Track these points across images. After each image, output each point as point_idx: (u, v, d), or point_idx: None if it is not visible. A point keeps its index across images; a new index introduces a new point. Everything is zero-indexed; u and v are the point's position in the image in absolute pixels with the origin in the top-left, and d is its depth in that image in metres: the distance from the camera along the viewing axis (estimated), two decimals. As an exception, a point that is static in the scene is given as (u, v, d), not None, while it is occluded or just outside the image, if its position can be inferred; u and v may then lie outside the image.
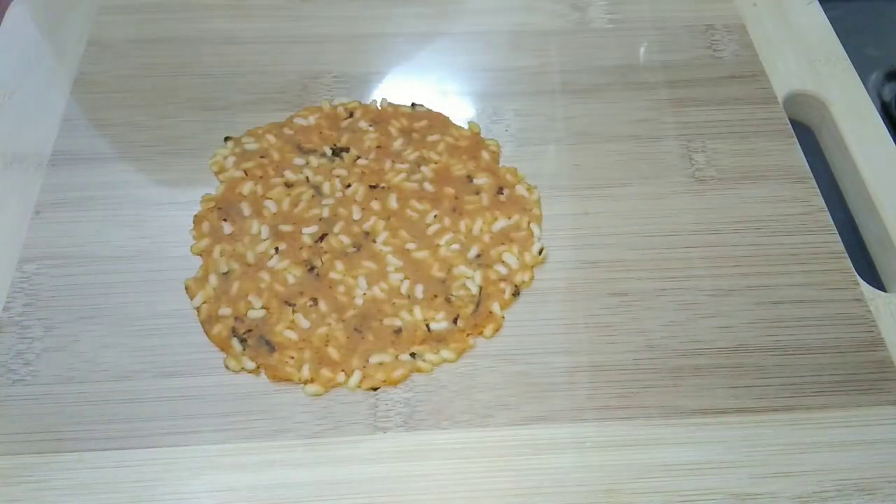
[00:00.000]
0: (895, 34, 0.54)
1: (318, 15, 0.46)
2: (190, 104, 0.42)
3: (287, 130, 0.41)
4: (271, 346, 0.34)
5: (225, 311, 0.35)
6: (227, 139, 0.41)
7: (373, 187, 0.39)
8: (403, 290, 0.35)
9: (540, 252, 0.37)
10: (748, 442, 0.31)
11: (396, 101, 0.42)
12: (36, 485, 0.30)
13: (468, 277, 0.36)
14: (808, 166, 0.40)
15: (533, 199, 0.38)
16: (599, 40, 0.46)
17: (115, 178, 0.39)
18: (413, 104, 0.42)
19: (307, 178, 0.39)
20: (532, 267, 0.36)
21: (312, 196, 0.38)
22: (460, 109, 0.42)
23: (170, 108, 0.42)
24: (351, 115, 0.42)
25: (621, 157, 0.40)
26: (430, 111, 0.42)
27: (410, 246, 0.37)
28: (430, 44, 0.45)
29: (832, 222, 0.38)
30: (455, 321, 0.34)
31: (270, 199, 0.38)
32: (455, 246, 0.37)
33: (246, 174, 0.39)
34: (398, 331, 0.34)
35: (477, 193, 0.39)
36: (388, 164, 0.39)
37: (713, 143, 0.41)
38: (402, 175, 0.39)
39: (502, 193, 0.39)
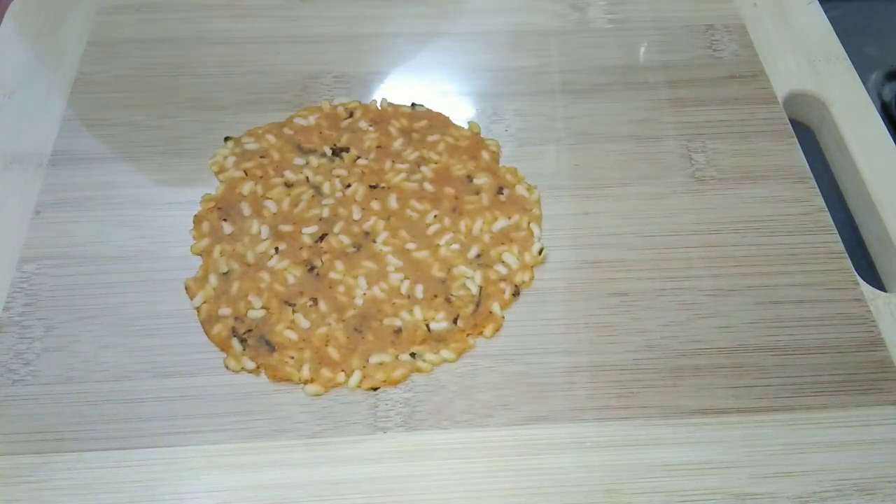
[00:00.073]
0: (895, 34, 0.54)
1: (318, 15, 0.46)
2: (190, 104, 0.42)
3: (287, 130, 0.41)
4: (271, 346, 0.34)
5: (225, 311, 0.35)
6: (227, 139, 0.41)
7: (373, 187, 0.39)
8: (403, 290, 0.35)
9: (540, 252, 0.37)
10: (748, 442, 0.31)
11: (396, 101, 0.42)
12: (36, 485, 0.30)
13: (468, 277, 0.36)
14: (808, 166, 0.40)
15: (533, 199, 0.38)
16: (599, 40, 0.46)
17: (115, 178, 0.39)
18: (413, 104, 0.42)
19: (307, 178, 0.39)
20: (532, 267, 0.36)
21: (312, 196, 0.38)
22: (460, 109, 0.42)
23: (170, 108, 0.42)
24: (351, 115, 0.42)
25: (621, 157, 0.40)
26: (430, 111, 0.42)
27: (410, 246, 0.37)
28: (430, 44, 0.45)
29: (832, 222, 0.38)
30: (455, 321, 0.34)
31: (270, 199, 0.38)
32: (455, 246, 0.37)
33: (246, 174, 0.39)
34: (398, 331, 0.34)
35: (477, 193, 0.39)
36: (388, 164, 0.39)
37: (713, 143, 0.41)
38: (402, 175, 0.39)
39: (502, 193, 0.39)
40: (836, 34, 0.46)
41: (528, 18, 0.47)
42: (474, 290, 0.35)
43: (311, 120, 0.41)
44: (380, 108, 0.42)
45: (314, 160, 0.40)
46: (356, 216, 0.38)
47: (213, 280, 0.35)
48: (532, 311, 0.35)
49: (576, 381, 0.33)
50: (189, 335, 0.34)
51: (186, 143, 0.40)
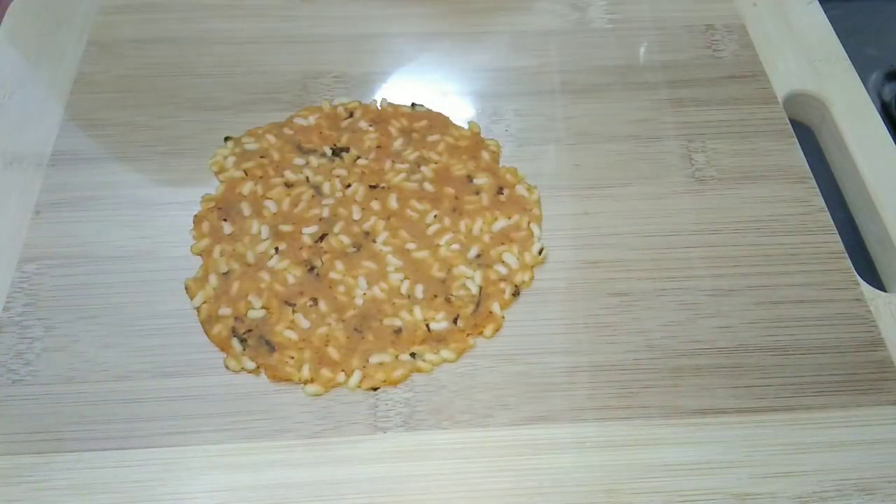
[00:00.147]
0: (895, 34, 0.54)
1: (318, 15, 0.46)
2: (190, 104, 0.42)
3: (287, 130, 0.41)
4: (271, 346, 0.34)
5: (225, 311, 0.35)
6: (227, 139, 0.41)
7: (373, 187, 0.39)
8: (403, 290, 0.35)
9: (540, 252, 0.37)
10: (748, 442, 0.31)
11: (396, 101, 0.42)
12: (36, 485, 0.30)
13: (468, 277, 0.36)
14: (808, 166, 0.40)
15: (533, 199, 0.38)
16: (599, 40, 0.46)
17: (115, 178, 0.39)
18: (413, 104, 0.42)
19: (307, 178, 0.39)
20: (532, 267, 0.36)
21: (312, 196, 0.38)
22: (460, 109, 0.42)
23: (170, 108, 0.42)
24: (351, 115, 0.42)
25: (621, 157, 0.40)
26: (430, 111, 0.42)
27: (410, 246, 0.37)
28: (430, 44, 0.45)
29: (832, 222, 0.38)
30: (455, 321, 0.34)
31: (270, 199, 0.38)
32: (455, 246, 0.37)
33: (246, 174, 0.39)
34: (398, 331, 0.34)
35: (477, 193, 0.39)
36: (388, 164, 0.39)
37: (713, 143, 0.41)
38: (402, 175, 0.39)
39: (502, 193, 0.39)
40: (836, 34, 0.46)
41: (528, 18, 0.47)
42: (474, 290, 0.35)
43: (311, 120, 0.41)
44: (380, 108, 0.42)
45: (314, 160, 0.40)
46: (356, 216, 0.38)
47: (213, 280, 0.35)
48: (532, 311, 0.35)
49: (576, 381, 0.33)
50: (189, 335, 0.34)
51: (186, 143, 0.40)
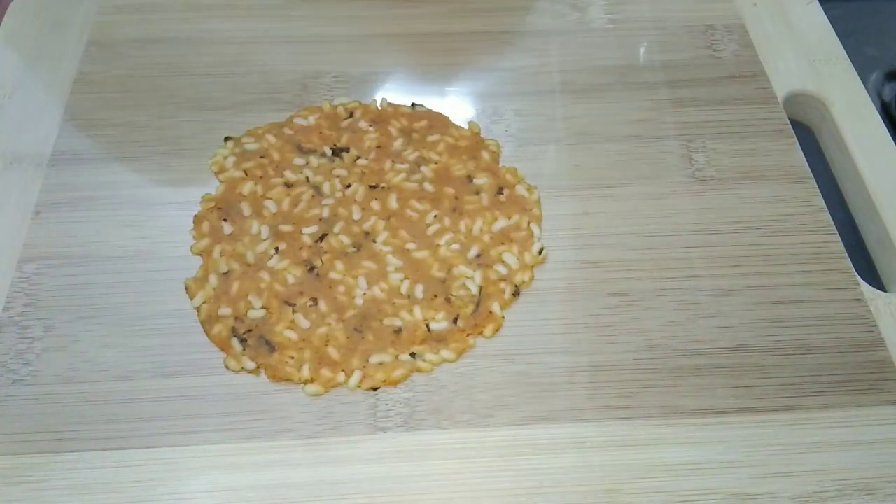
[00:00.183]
0: (895, 34, 0.54)
1: (318, 15, 0.46)
2: (190, 104, 0.42)
3: (287, 130, 0.41)
4: (271, 346, 0.34)
5: (225, 311, 0.35)
6: (227, 139, 0.41)
7: (373, 187, 0.39)
8: (403, 290, 0.35)
9: (540, 252, 0.37)
10: (748, 442, 0.31)
11: (396, 101, 0.42)
12: (36, 485, 0.30)
13: (468, 277, 0.36)
14: (808, 166, 0.40)
15: (533, 199, 0.38)
16: (599, 40, 0.46)
17: (115, 178, 0.39)
18: (413, 104, 0.42)
19: (307, 178, 0.39)
20: (532, 267, 0.36)
21: (312, 196, 0.38)
22: (460, 109, 0.42)
23: (170, 108, 0.42)
24: (351, 115, 0.42)
25: (621, 157, 0.40)
26: (430, 111, 0.42)
27: (410, 246, 0.37)
28: (430, 44, 0.45)
29: (832, 222, 0.38)
30: (455, 321, 0.34)
31: (270, 199, 0.38)
32: (455, 246, 0.37)
33: (246, 174, 0.39)
34: (398, 331, 0.34)
35: (477, 193, 0.39)
36: (388, 164, 0.39)
37: (713, 143, 0.41)
38: (402, 175, 0.39)
39: (502, 193, 0.39)
40: (836, 34, 0.46)
41: (528, 18, 0.47)
42: (474, 290, 0.35)
43: (311, 120, 0.41)
44: (380, 108, 0.42)
45: (314, 160, 0.40)
46: (356, 216, 0.38)
47: (213, 280, 0.35)
48: (532, 311, 0.35)
49: (576, 381, 0.33)
50: (189, 335, 0.34)
51: (186, 143, 0.40)
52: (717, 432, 0.32)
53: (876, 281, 0.38)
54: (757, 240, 0.37)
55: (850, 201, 0.41)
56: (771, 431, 0.32)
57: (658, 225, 0.38)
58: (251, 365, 0.33)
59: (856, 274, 0.36)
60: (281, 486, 0.30)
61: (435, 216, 0.38)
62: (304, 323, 0.34)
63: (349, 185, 0.39)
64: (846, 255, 0.37)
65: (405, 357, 0.33)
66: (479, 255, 0.37)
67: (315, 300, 0.35)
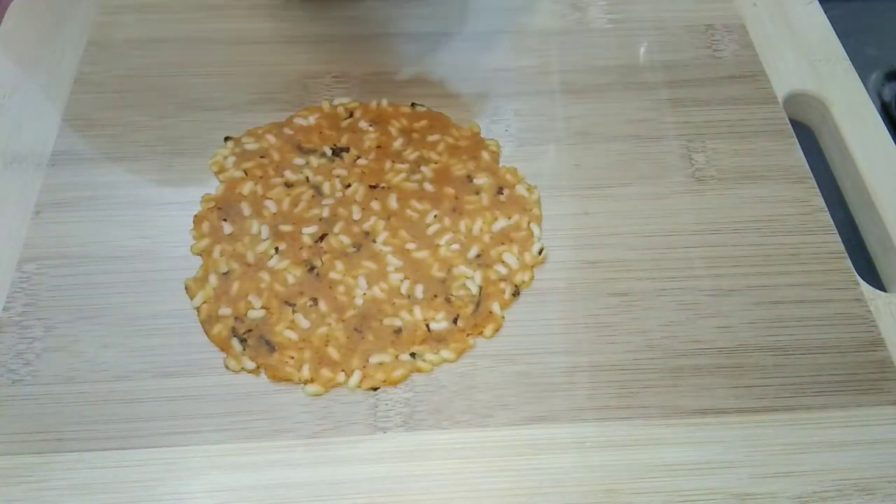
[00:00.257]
0: (895, 34, 0.54)
1: (318, 15, 0.46)
2: (190, 104, 0.42)
3: (287, 130, 0.41)
4: (271, 346, 0.34)
5: (225, 311, 0.35)
6: (227, 139, 0.41)
7: (373, 187, 0.39)
8: (403, 290, 0.35)
9: (540, 252, 0.37)
10: (748, 442, 0.31)
11: (396, 101, 0.42)
12: (36, 485, 0.30)
13: (468, 277, 0.36)
14: (808, 166, 0.40)
15: (533, 199, 0.38)
16: (599, 40, 0.46)
17: (115, 178, 0.39)
18: (413, 104, 0.42)
19: (307, 178, 0.39)
20: (532, 267, 0.36)
21: (312, 196, 0.38)
22: (460, 109, 0.42)
23: (170, 108, 0.42)
24: (351, 115, 0.42)
25: (621, 157, 0.40)
26: (430, 111, 0.42)
27: (410, 246, 0.37)
28: (430, 44, 0.45)
29: (832, 222, 0.38)
30: (455, 321, 0.34)
31: (270, 199, 0.38)
32: (455, 246, 0.37)
33: (246, 174, 0.39)
34: (398, 331, 0.34)
35: (477, 193, 0.39)
36: (388, 164, 0.39)
37: (713, 143, 0.41)
38: (402, 175, 0.39)
39: (502, 193, 0.39)
40: (836, 34, 0.46)
41: (528, 18, 0.47)
42: (474, 290, 0.35)
43: (311, 120, 0.41)
44: (380, 108, 0.42)
45: (314, 160, 0.40)
46: (356, 216, 0.38)
47: (213, 280, 0.35)
48: (532, 311, 0.35)
49: (576, 381, 0.33)
50: (189, 335, 0.34)
51: (186, 143, 0.40)
52: (717, 432, 0.32)
53: (876, 281, 0.38)
54: (757, 240, 0.37)
55: (850, 201, 0.41)
56: (771, 431, 0.32)
57: (658, 225, 0.38)
58: (251, 365, 0.33)
59: (856, 274, 0.36)
60: (281, 486, 0.30)
61: (435, 216, 0.38)
62: (304, 323, 0.34)
63: (349, 185, 0.39)
64: (846, 255, 0.37)
65: (405, 357, 0.33)
66: (479, 255, 0.37)
67: (315, 300, 0.35)
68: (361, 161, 0.40)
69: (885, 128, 0.42)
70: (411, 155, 0.40)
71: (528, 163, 0.40)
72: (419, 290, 0.35)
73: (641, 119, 0.42)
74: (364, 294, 0.35)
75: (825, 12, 0.47)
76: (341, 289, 0.35)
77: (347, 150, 0.40)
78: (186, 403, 0.32)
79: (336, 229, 0.37)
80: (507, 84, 0.43)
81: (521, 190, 0.39)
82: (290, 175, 0.39)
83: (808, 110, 0.44)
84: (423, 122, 0.41)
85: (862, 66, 0.45)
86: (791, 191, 0.39)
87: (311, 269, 0.36)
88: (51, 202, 0.38)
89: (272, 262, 0.36)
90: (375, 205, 0.38)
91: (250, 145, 0.40)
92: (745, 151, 0.40)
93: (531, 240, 0.37)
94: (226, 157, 0.40)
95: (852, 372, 0.33)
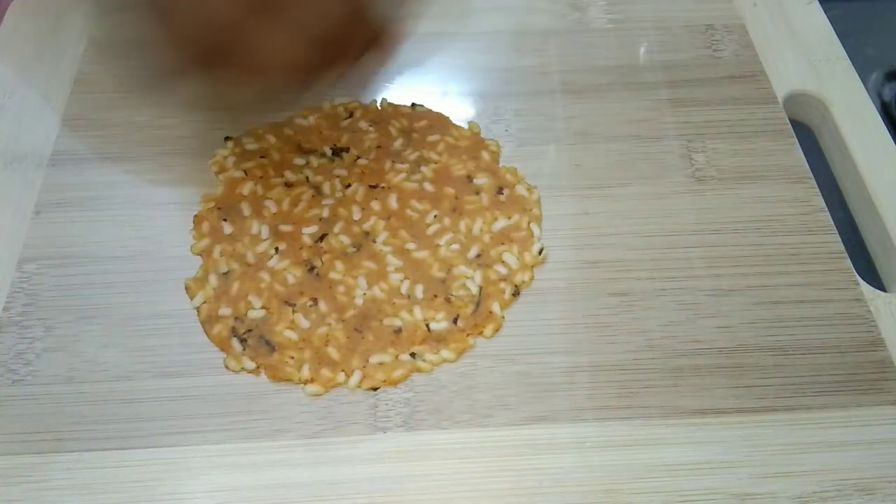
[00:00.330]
0: (895, 34, 0.54)
1: (318, 15, 0.46)
2: (190, 104, 0.42)
3: (287, 130, 0.41)
4: (271, 346, 0.34)
5: (225, 311, 0.35)
6: (227, 139, 0.41)
7: (373, 187, 0.39)
8: (403, 290, 0.35)
9: (540, 252, 0.37)
10: (748, 442, 0.31)
11: (396, 101, 0.42)
12: (36, 485, 0.30)
13: (468, 277, 0.36)
14: (808, 166, 0.40)
15: (533, 199, 0.38)
16: (599, 40, 0.46)
17: (115, 178, 0.39)
18: (413, 104, 0.42)
19: (307, 178, 0.39)
20: (532, 267, 0.36)
21: (312, 196, 0.38)
22: (460, 109, 0.42)
23: (170, 108, 0.42)
24: (351, 115, 0.42)
25: (621, 157, 0.40)
26: (430, 111, 0.42)
27: (410, 246, 0.37)
28: (430, 44, 0.45)
29: (832, 222, 0.38)
30: (455, 321, 0.34)
31: (270, 199, 0.38)
32: (455, 246, 0.37)
33: (246, 174, 0.39)
34: (398, 331, 0.34)
35: (477, 193, 0.39)
36: (388, 164, 0.39)
37: (713, 143, 0.41)
38: (402, 175, 0.39)
39: (502, 193, 0.39)
40: (836, 34, 0.46)
41: (528, 18, 0.47)
42: (474, 290, 0.35)
43: (311, 120, 0.41)
44: (380, 108, 0.42)
45: (314, 160, 0.40)
46: (356, 216, 0.38)
47: (213, 280, 0.35)
48: (532, 311, 0.35)
49: (576, 381, 0.33)
50: (189, 335, 0.34)
51: (186, 143, 0.40)
52: (717, 432, 0.32)
53: (876, 281, 0.38)
54: (757, 240, 0.37)
55: (850, 201, 0.41)
56: (771, 431, 0.32)
57: (658, 225, 0.38)
58: (251, 365, 0.33)
59: (856, 274, 0.36)
60: (281, 486, 0.30)
61: (435, 216, 0.38)
62: (304, 323, 0.34)
63: (349, 185, 0.39)
64: (846, 255, 0.37)
65: (405, 357, 0.33)
66: (479, 255, 0.37)
67: (315, 300, 0.35)
68: (361, 161, 0.40)
69: (885, 128, 0.42)
70: (411, 155, 0.40)
71: (528, 163, 0.40)
72: (419, 290, 0.35)
73: (641, 119, 0.42)
74: (364, 294, 0.35)
75: (825, 12, 0.47)
76: (341, 289, 0.35)
77: (347, 150, 0.40)
78: (186, 403, 0.32)
79: (336, 229, 0.37)
80: (507, 84, 0.43)
81: (521, 190, 0.39)
82: (290, 175, 0.39)
83: (808, 110, 0.44)
84: (423, 122, 0.41)
85: (862, 66, 0.45)
86: (791, 191, 0.39)
87: (311, 269, 0.36)
88: (51, 202, 0.38)
89: (272, 262, 0.36)
90: (375, 205, 0.38)
91: (250, 145, 0.40)
92: (745, 151, 0.40)
93: (531, 240, 0.37)
94: (226, 157, 0.40)
95: (852, 372, 0.33)
